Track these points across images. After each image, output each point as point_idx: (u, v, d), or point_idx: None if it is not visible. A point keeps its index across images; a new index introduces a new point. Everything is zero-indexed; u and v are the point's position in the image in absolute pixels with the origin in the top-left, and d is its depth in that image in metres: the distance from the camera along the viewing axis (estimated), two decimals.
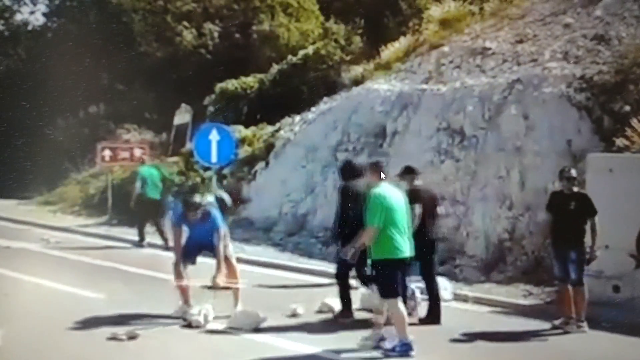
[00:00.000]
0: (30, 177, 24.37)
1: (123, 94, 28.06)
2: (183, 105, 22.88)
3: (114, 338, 7.07)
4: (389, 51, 18.17)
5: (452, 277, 10.30)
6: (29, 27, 38.83)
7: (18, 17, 39.50)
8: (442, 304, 8.62)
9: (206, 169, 16.05)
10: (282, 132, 17.79)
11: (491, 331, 8.10)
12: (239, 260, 12.09)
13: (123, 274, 11.29)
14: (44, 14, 38.72)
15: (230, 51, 25.95)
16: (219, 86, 22.17)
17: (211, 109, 21.83)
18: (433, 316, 8.41)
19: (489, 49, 14.96)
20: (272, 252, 13.68)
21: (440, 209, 9.27)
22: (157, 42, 29.20)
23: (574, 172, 8.38)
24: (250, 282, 9.87)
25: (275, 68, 21.70)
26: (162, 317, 8.13)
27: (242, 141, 17.95)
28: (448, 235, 11.68)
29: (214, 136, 14.62)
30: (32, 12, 39.45)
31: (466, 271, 11.19)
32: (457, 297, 9.52)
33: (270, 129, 18.51)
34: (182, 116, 22.49)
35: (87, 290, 9.53)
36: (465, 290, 10.00)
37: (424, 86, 14.96)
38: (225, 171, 16.85)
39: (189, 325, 7.66)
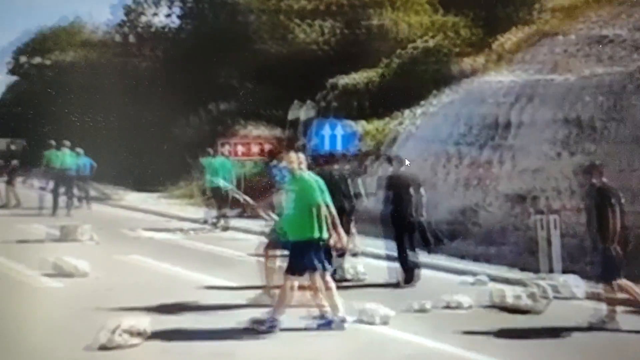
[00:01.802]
0: (166, 172, 25.33)
1: (244, 91, 28.67)
2: (296, 101, 23.11)
3: (252, 328, 6.94)
4: (502, 42, 17.45)
5: (583, 275, 9.76)
6: (164, 30, 40.51)
7: (154, 20, 41.29)
8: (574, 302, 8.45)
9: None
10: (402, 125, 17.41)
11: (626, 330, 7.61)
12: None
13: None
14: (178, 17, 40.22)
15: (341, 47, 25.94)
16: (330, 82, 22.23)
17: (328, 104, 21.94)
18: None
19: (606, 36, 14.01)
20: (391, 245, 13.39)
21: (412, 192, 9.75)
22: (271, 40, 29.70)
23: None
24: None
25: (389, 62, 21.51)
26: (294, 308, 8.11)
27: (363, 135, 17.84)
28: (574, 232, 11.05)
29: (328, 131, 14.75)
30: (168, 15, 41.06)
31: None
32: (590, 296, 9.04)
33: (387, 122, 18.28)
34: (299, 111, 22.74)
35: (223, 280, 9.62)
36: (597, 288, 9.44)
37: (539, 77, 14.28)
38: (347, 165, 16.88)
39: (321, 318, 7.53)
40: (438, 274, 10.76)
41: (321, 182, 7.40)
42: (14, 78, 54.97)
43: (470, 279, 10.03)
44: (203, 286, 9.24)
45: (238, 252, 12.05)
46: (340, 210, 9.18)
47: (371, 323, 7.33)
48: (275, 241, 8.01)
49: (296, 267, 7.14)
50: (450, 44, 19.98)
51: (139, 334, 6.22)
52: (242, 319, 7.11)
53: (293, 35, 28.17)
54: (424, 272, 10.37)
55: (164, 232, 15.16)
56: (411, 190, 9.80)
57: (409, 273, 9.65)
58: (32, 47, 52.29)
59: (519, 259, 11.19)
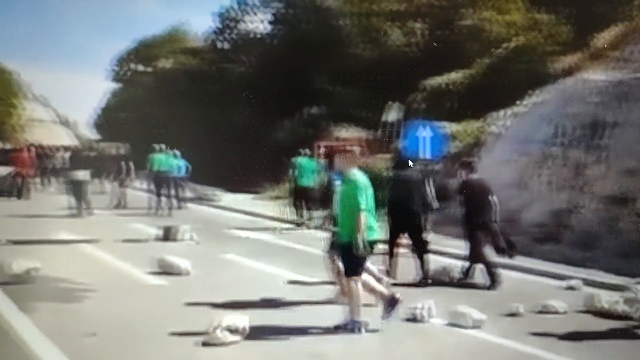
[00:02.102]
0: (260, 174, 25.92)
1: (337, 94, 28.92)
2: (391, 103, 23.13)
3: (338, 327, 7.06)
4: (600, 40, 16.94)
5: None
6: (258, 36, 41.46)
7: (249, 26, 42.33)
8: None
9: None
10: (492, 126, 17.21)
11: None
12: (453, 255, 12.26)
13: None
14: (270, 22, 41.10)
15: (435, 48, 25.78)
16: (425, 83, 22.15)
17: (418, 105, 21.89)
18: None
19: None
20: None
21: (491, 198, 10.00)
22: (365, 43, 29.84)
23: None
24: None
25: (480, 62, 21.26)
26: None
27: (452, 137, 17.75)
28: None
29: (423, 132, 14.74)
30: (261, 21, 42.09)
31: None
32: None
33: (476, 123, 18.12)
34: (391, 113, 22.72)
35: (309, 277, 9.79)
36: None
37: (636, 75, 13.85)
38: (436, 167, 16.85)
39: (413, 319, 7.55)
40: (529, 277, 10.61)
41: (367, 184, 7.23)
42: (119, 85, 57.54)
43: (563, 283, 9.82)
44: (295, 283, 9.56)
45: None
46: (417, 212, 10.08)
47: (463, 326, 7.31)
48: (335, 243, 7.96)
49: (351, 268, 7.15)
50: (544, 42, 19.56)
51: (238, 331, 6.47)
52: (334, 317, 7.26)
53: (385, 37, 28.21)
54: (515, 275, 10.29)
55: (259, 232, 15.58)
56: (484, 196, 10.05)
57: (492, 276, 9.74)
58: (134, 55, 54.62)
59: (613, 263, 10.80)
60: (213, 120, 35.16)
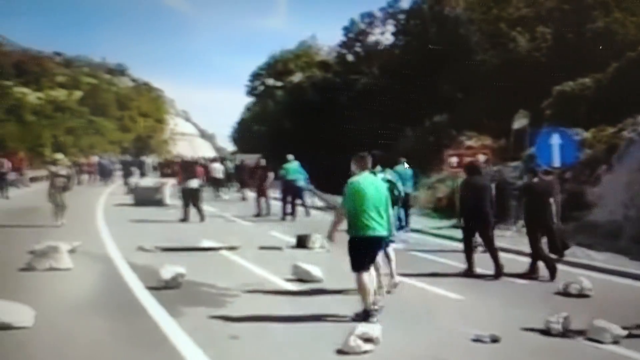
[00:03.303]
0: None
1: (462, 102, 28.44)
2: (521, 110, 22.39)
3: (478, 340, 6.93)
4: None
5: None
6: (380, 47, 41.67)
7: (372, 38, 42.67)
8: None
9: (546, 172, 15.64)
10: (625, 132, 16.39)
11: None
12: (584, 266, 11.72)
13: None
14: (392, 34, 41.23)
15: (564, 52, 24.82)
16: (556, 89, 21.31)
17: (549, 112, 21.09)
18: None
19: None
20: (618, 259, 12.44)
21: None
22: (492, 50, 29.17)
23: None
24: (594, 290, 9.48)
25: (611, 66, 20.20)
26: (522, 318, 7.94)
27: (583, 144, 17.02)
28: None
29: (556, 139, 14.22)
30: (382, 33, 42.34)
31: None
32: None
33: (611, 129, 17.24)
34: (521, 121, 22.00)
35: (450, 292, 9.64)
36: None
37: None
38: (567, 175, 16.20)
39: (547, 332, 7.23)
40: None
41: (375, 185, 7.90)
42: (253, 99, 59.54)
43: None
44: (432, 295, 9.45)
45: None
46: (486, 216, 11.00)
47: (601, 341, 6.97)
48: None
49: (354, 263, 7.75)
50: None
51: (372, 340, 6.52)
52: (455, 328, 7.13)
53: (513, 43, 27.46)
54: None
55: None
56: (545, 198, 10.87)
57: (551, 270, 10.57)
58: (266, 71, 56.39)
59: None
60: (339, 130, 35.51)
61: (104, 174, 37.70)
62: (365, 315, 7.54)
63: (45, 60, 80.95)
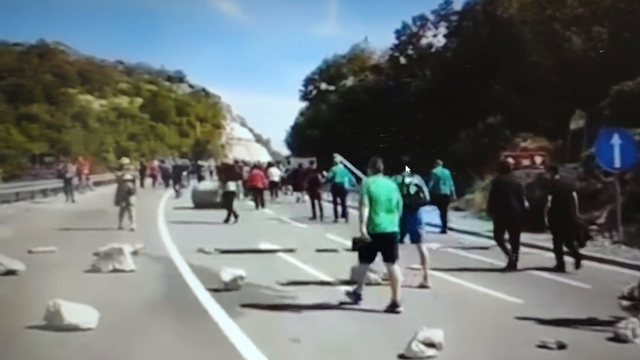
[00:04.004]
0: None
1: (517, 104, 27.75)
2: (577, 110, 21.71)
3: (544, 346, 6.61)
4: None
5: None
6: (433, 49, 41.17)
7: (424, 40, 42.19)
8: None
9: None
10: None
11: None
12: None
13: (538, 279, 11.03)
14: (445, 36, 40.67)
15: (621, 52, 23.95)
16: (614, 88, 20.57)
17: (607, 112, 20.37)
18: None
19: None
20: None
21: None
22: (547, 50, 28.40)
23: None
24: None
25: None
26: (588, 324, 7.65)
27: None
28: None
29: (616, 140, 13.72)
30: (434, 35, 41.82)
31: None
32: None
33: None
34: (577, 122, 21.33)
35: (510, 296, 9.21)
36: None
37: None
38: (627, 176, 15.55)
39: (616, 339, 6.86)
40: None
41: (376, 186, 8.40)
42: (306, 104, 59.67)
43: None
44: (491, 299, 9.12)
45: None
46: (516, 212, 11.34)
47: None
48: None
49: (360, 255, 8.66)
50: None
51: (434, 345, 6.29)
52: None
53: (569, 43, 26.68)
54: None
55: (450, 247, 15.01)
56: (568, 194, 11.43)
57: (577, 261, 11.23)
58: (319, 75, 56.45)
59: None
60: (392, 133, 35.25)
61: (166, 177, 38.29)
62: (355, 298, 8.49)
63: (108, 69, 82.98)
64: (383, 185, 8.44)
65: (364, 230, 8.25)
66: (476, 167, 24.17)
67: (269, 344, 6.58)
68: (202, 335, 7.05)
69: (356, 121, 41.39)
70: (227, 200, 19.17)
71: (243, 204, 26.57)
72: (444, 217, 17.34)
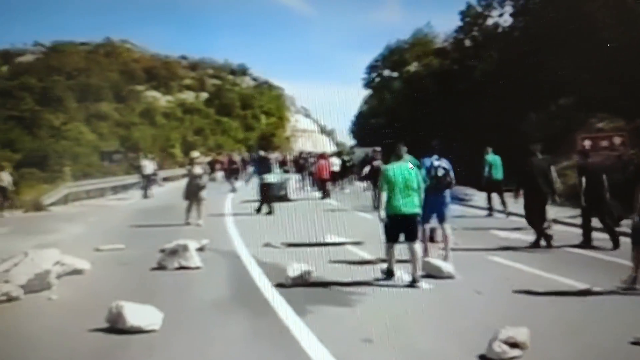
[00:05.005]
0: (510, 170, 24.55)
1: (590, 83, 26.47)
2: None
3: (637, 342, 6.11)
4: None
5: None
6: (499, 30, 39.83)
7: (489, 21, 40.87)
8: None
9: None
10: None
11: None
12: None
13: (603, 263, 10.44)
14: (511, 15, 39.25)
15: None
16: None
17: None
18: None
19: None
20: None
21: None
22: (620, 26, 26.98)
23: None
24: None
25: None
26: None
27: None
28: None
29: None
30: (500, 15, 40.41)
31: None
32: None
33: None
34: None
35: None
36: None
37: None
38: None
39: None
40: None
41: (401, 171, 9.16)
42: (369, 92, 59.08)
43: None
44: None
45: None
46: (541, 194, 11.93)
47: None
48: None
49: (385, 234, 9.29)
50: None
51: (518, 345, 5.82)
52: None
53: None
54: None
55: (518, 232, 14.38)
56: (598, 176, 11.85)
57: (614, 240, 11.64)
58: (382, 62, 55.72)
59: None
60: (459, 118, 34.40)
61: (234, 171, 38.47)
62: (388, 275, 9.22)
63: (172, 65, 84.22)
64: (401, 171, 9.15)
65: (382, 213, 9.05)
66: (548, 151, 23.08)
67: (340, 345, 6.24)
68: (269, 335, 6.76)
69: (421, 107, 40.63)
70: (263, 192, 19.44)
71: (308, 195, 26.51)
72: (502, 202, 17.43)
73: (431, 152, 10.67)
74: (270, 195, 19.44)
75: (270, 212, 19.03)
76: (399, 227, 9.05)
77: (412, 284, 8.83)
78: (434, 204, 10.07)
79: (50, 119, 52.46)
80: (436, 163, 10.39)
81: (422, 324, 7.10)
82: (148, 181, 29.45)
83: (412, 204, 9.03)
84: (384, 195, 9.04)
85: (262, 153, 26.76)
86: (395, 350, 6.18)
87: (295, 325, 7.01)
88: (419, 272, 8.92)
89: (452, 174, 10.43)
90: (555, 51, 28.68)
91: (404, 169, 9.19)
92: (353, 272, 10.03)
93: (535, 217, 12.09)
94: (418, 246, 9.06)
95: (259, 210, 19.17)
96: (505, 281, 9.14)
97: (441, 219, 10.54)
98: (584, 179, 11.87)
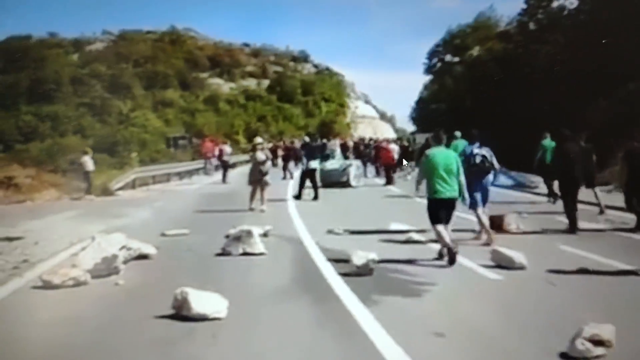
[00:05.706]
0: None
1: None
2: None
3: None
4: None
5: None
6: (564, 12, 38.32)
7: (554, 4, 39.34)
8: None
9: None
10: None
11: None
12: None
13: None
14: None
15: None
16: None
17: None
18: None
19: None
20: None
21: None
22: None
23: None
24: None
25: None
26: None
27: None
28: None
29: None
30: None
31: None
32: None
33: None
34: None
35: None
36: None
37: None
38: None
39: None
40: None
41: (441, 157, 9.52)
42: (430, 78, 58.00)
43: None
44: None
45: None
46: (576, 179, 12.31)
47: None
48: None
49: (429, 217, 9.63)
50: None
51: (602, 343, 5.36)
52: None
53: None
54: None
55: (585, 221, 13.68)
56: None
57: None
58: (443, 47, 54.59)
59: None
60: (522, 103, 33.36)
61: (297, 158, 38.56)
62: (451, 255, 9.18)
63: (235, 52, 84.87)
64: (442, 156, 9.50)
65: (417, 193, 10.00)
66: (616, 137, 22.05)
67: (409, 338, 5.87)
68: (334, 325, 6.44)
69: (484, 93, 39.58)
70: (304, 178, 19.67)
71: (369, 181, 26.16)
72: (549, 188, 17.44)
73: (472, 140, 11.36)
74: (314, 182, 19.55)
75: (315, 197, 19.04)
76: (441, 209, 9.46)
77: (439, 258, 9.51)
78: (474, 188, 10.62)
79: (119, 105, 53.56)
80: (476, 151, 10.99)
81: (496, 319, 6.66)
82: (226, 166, 29.90)
83: (451, 188, 9.43)
84: (421, 180, 9.68)
85: (306, 139, 26.77)
86: (469, 346, 5.79)
87: (360, 314, 6.70)
88: (445, 251, 9.34)
89: (493, 160, 10.98)
90: (623, 35, 27.35)
91: (445, 154, 9.61)
92: (417, 259, 9.65)
93: (570, 203, 12.24)
94: (448, 228, 9.58)
95: (297, 196, 19.16)
96: (580, 272, 8.59)
97: (483, 202, 11.15)
98: (626, 166, 12.16)
